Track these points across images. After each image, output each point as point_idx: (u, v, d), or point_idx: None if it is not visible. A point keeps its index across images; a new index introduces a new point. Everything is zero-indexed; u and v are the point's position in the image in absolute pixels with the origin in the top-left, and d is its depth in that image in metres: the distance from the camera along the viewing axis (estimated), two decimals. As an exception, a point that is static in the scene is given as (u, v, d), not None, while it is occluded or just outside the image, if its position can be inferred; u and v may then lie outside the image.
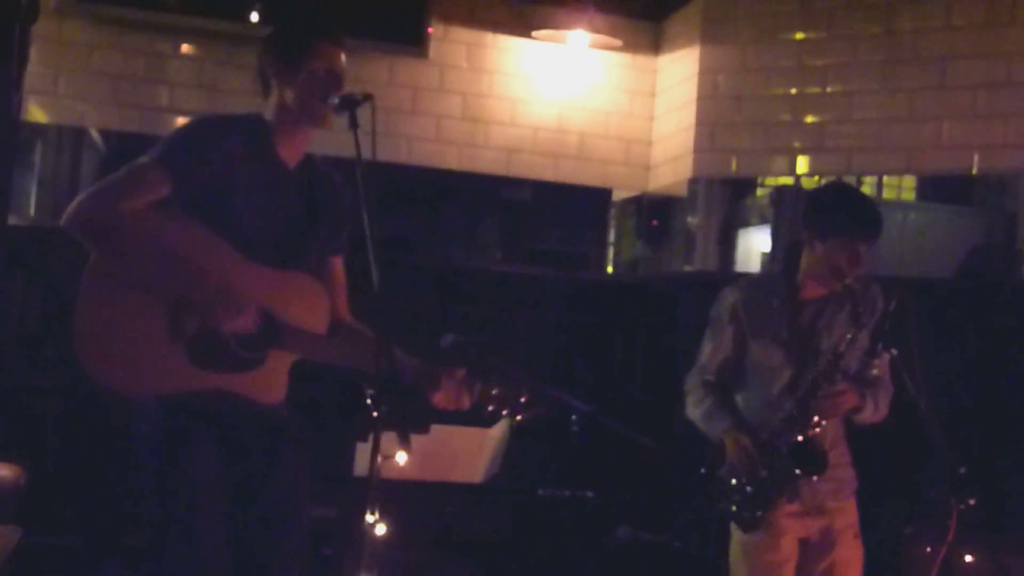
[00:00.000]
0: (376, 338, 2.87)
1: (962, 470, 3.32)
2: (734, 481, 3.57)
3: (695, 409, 3.73)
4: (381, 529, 2.92)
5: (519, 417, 3.19)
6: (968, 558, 3.90)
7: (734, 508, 3.57)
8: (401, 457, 2.95)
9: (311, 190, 3.14)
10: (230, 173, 2.97)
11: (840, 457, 3.64)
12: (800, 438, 3.47)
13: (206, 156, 2.95)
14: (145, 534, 2.99)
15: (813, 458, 3.47)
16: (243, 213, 2.99)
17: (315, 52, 3.04)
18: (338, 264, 3.22)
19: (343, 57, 3.08)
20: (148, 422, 2.93)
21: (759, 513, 3.52)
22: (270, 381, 3.03)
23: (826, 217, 3.56)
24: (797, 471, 3.47)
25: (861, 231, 3.52)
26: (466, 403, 3.12)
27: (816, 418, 3.48)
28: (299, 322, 3.03)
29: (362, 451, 4.12)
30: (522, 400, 3.17)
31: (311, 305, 3.07)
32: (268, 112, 3.10)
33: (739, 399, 3.71)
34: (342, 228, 3.17)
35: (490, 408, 3.16)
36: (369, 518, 2.89)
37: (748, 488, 3.53)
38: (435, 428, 4.46)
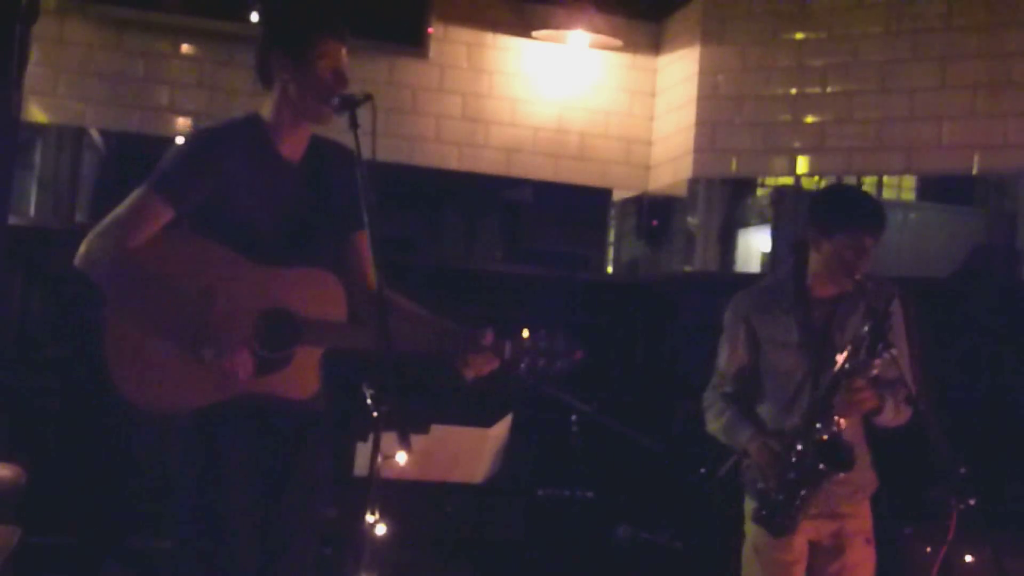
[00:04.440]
0: (377, 337, 2.87)
1: (962, 470, 3.32)
2: (760, 486, 3.57)
3: (715, 422, 3.72)
4: (381, 529, 2.92)
5: (560, 365, 3.13)
6: (968, 558, 3.90)
7: (764, 513, 3.56)
8: (401, 457, 2.95)
9: (320, 178, 3.14)
10: (232, 182, 2.99)
11: (860, 459, 3.64)
12: (825, 437, 3.46)
13: (203, 174, 2.97)
14: (178, 542, 3.03)
15: (840, 456, 3.46)
16: (251, 217, 3.01)
17: (323, 50, 3.03)
18: (363, 239, 3.18)
19: (344, 53, 3.08)
20: (185, 436, 2.99)
21: (790, 515, 3.52)
22: (300, 377, 3.05)
23: (831, 214, 3.58)
24: (821, 466, 3.45)
25: (866, 224, 3.53)
26: (494, 364, 3.08)
27: (837, 416, 3.47)
28: (318, 314, 3.04)
29: (362, 451, 4.13)
30: (556, 348, 3.12)
31: (326, 296, 3.07)
32: (267, 106, 3.10)
33: (760, 410, 3.71)
34: (359, 203, 3.02)
35: (524, 364, 3.11)
36: (369, 518, 2.89)
37: (777, 493, 3.52)
38: (435, 428, 4.46)
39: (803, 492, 3.50)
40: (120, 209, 2.96)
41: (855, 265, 3.50)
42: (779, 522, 3.53)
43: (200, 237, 2.99)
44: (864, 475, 3.67)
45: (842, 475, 3.49)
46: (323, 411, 3.17)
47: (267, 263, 3.00)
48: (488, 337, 3.06)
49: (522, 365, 3.12)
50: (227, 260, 2.97)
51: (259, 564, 3.02)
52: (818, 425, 3.47)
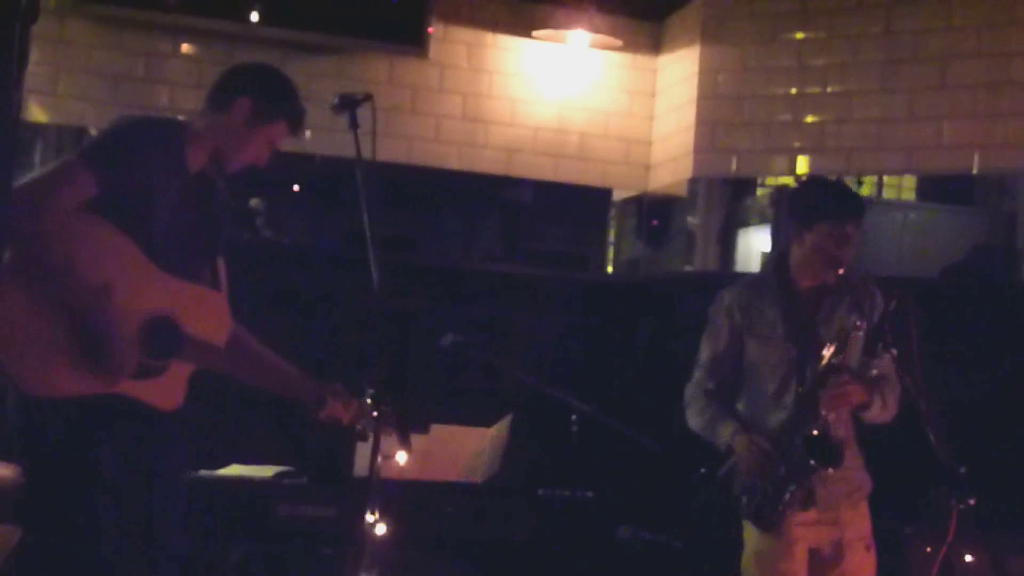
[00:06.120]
0: (377, 338, 2.88)
1: (962, 470, 3.32)
2: (748, 482, 3.56)
3: (698, 419, 3.71)
4: (381, 529, 2.92)
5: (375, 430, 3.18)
6: (968, 558, 3.89)
7: (754, 508, 3.55)
8: (401, 457, 2.95)
9: (205, 195, 3.19)
10: (150, 179, 3.00)
11: (852, 460, 3.63)
12: (815, 432, 3.46)
13: (132, 162, 2.98)
14: (60, 530, 2.98)
15: (828, 450, 3.46)
16: (156, 220, 3.01)
17: (277, 131, 3.15)
18: (222, 266, 3.27)
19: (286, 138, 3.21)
20: (64, 422, 2.92)
21: (778, 510, 3.51)
22: (170, 389, 3.07)
23: (810, 205, 3.61)
24: (812, 462, 3.45)
25: (845, 212, 3.56)
26: (346, 418, 3.17)
27: (824, 411, 3.46)
28: (201, 334, 3.07)
29: (362, 451, 4.13)
30: (375, 416, 3.12)
31: (212, 318, 3.12)
32: (204, 119, 3.15)
33: (740, 405, 3.71)
34: (224, 230, 3.27)
35: (359, 428, 3.17)
36: (369, 518, 2.89)
37: (767, 488, 3.51)
38: (435, 428, 4.46)
39: (792, 487, 3.49)
40: (42, 173, 2.93)
41: (838, 255, 3.51)
42: (767, 516, 3.53)
43: (110, 226, 2.94)
44: (859, 475, 3.67)
45: (835, 473, 3.49)
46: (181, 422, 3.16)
47: (166, 270, 3.01)
48: (339, 388, 3.15)
49: (358, 428, 3.16)
50: (132, 256, 2.95)
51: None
52: (806, 419, 3.47)
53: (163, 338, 2.99)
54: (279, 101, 3.16)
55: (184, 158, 3.09)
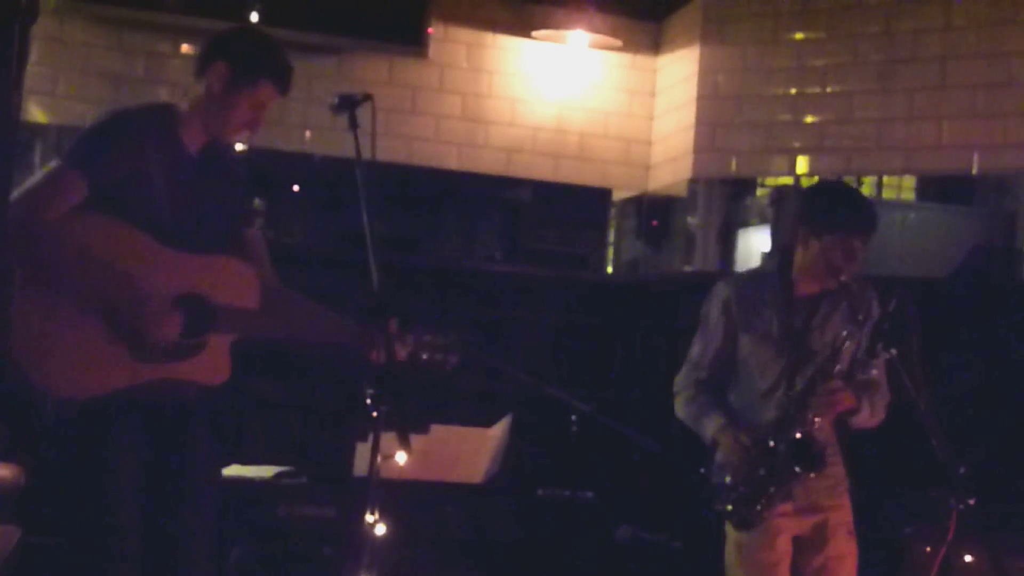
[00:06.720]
0: (377, 339, 2.88)
1: (962, 470, 3.32)
2: (728, 479, 3.56)
3: (686, 408, 3.71)
4: (381, 529, 2.92)
5: (452, 362, 3.21)
6: (968, 558, 3.89)
7: (730, 507, 3.55)
8: (401, 457, 2.95)
9: (215, 171, 3.17)
10: (143, 166, 2.99)
11: (832, 456, 3.64)
12: (799, 435, 3.46)
13: (119, 154, 2.97)
14: (64, 532, 3.00)
15: (812, 455, 3.46)
16: (159, 203, 3.00)
17: (260, 93, 3.11)
18: (256, 236, 3.27)
19: (273, 103, 3.16)
20: (65, 423, 2.94)
21: (756, 510, 3.51)
22: (213, 363, 3.07)
23: (821, 214, 3.57)
24: (796, 468, 3.46)
25: (857, 227, 3.53)
26: (402, 354, 3.14)
27: (812, 415, 3.47)
28: (232, 301, 3.06)
29: (362, 451, 4.13)
30: (448, 345, 3.18)
31: (239, 284, 3.10)
32: (191, 97, 3.13)
33: (731, 399, 3.71)
34: (248, 202, 3.32)
35: (424, 356, 3.18)
36: (369, 518, 2.89)
37: (743, 487, 3.51)
38: (435, 428, 4.46)
39: (771, 489, 3.49)
40: (32, 182, 2.93)
41: (843, 267, 3.49)
42: (743, 516, 3.53)
43: (113, 219, 2.94)
44: (838, 471, 3.68)
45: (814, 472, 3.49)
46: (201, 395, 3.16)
47: (179, 248, 3.00)
48: (394, 327, 3.10)
49: (423, 356, 3.18)
50: (141, 243, 2.95)
51: (155, 556, 3.00)
52: (793, 423, 3.47)
53: (195, 315, 2.99)
54: (258, 61, 3.11)
55: (179, 139, 3.09)
